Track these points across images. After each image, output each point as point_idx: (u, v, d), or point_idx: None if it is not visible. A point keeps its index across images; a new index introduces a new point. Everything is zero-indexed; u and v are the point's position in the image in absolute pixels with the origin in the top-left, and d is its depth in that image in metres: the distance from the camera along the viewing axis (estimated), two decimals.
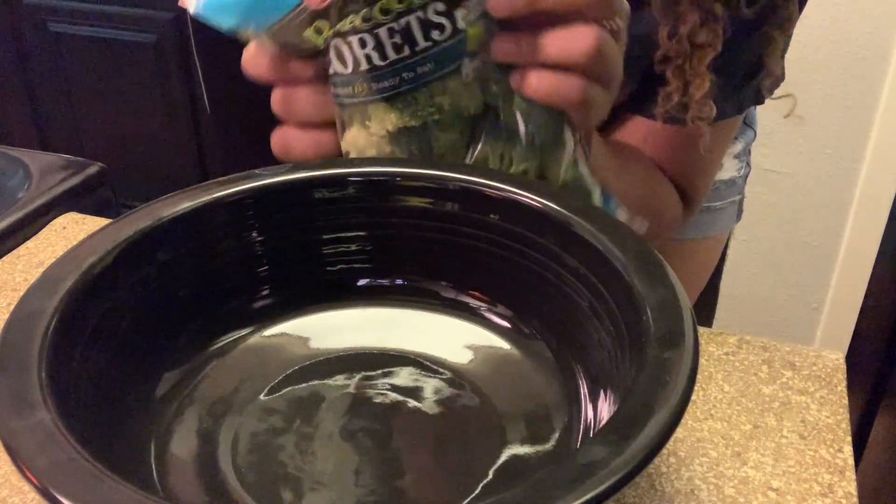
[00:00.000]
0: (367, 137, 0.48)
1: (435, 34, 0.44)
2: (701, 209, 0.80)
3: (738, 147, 0.81)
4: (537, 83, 0.45)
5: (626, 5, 0.47)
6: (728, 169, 0.81)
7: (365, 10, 0.44)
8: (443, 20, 0.44)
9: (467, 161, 0.48)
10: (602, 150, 0.56)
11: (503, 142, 0.48)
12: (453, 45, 0.45)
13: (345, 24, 0.44)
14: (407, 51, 0.45)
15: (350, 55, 0.45)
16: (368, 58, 0.45)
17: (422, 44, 0.45)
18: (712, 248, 0.86)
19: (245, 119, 1.21)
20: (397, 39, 0.44)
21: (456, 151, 0.48)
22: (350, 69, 0.46)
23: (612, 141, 0.65)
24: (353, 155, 0.49)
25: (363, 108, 0.47)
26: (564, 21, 0.44)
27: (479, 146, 0.48)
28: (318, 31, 0.45)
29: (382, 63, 0.45)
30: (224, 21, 0.44)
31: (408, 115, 0.47)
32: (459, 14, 0.44)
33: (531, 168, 0.48)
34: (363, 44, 0.45)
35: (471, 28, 0.45)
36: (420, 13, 0.44)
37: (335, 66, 0.46)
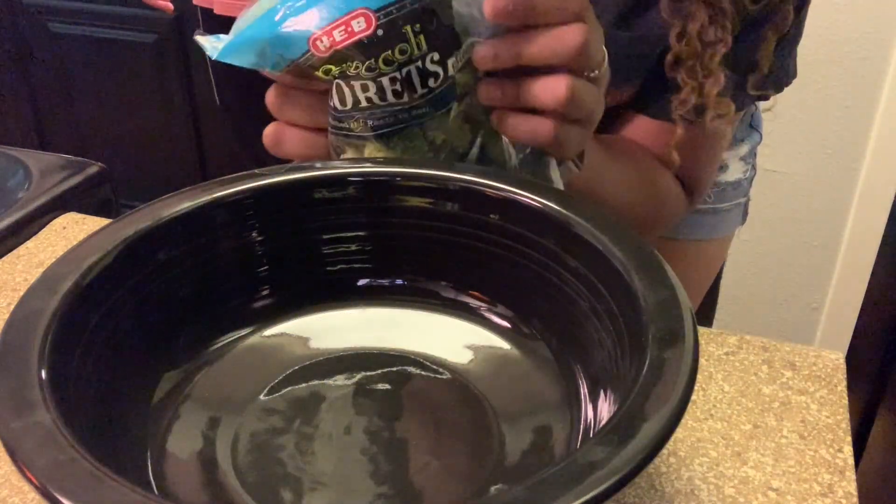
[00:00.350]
0: None
1: (430, 81, 0.47)
2: (706, 211, 0.80)
3: (743, 149, 0.82)
4: (513, 126, 0.49)
5: (604, 52, 0.49)
6: (734, 171, 0.82)
7: (369, 61, 0.46)
8: (437, 69, 0.47)
9: None
10: (594, 147, 0.56)
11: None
12: (445, 90, 0.48)
13: (349, 68, 0.46)
14: (406, 97, 0.47)
15: (350, 95, 0.48)
16: (369, 99, 0.47)
17: (419, 90, 0.47)
18: (717, 249, 0.86)
19: (253, 110, 1.22)
20: (398, 87, 0.47)
21: None
22: (349, 107, 0.48)
23: (606, 138, 0.65)
24: None
25: (359, 143, 0.49)
26: (544, 70, 0.47)
27: None
28: (327, 73, 0.47)
29: (382, 103, 0.48)
30: (241, 62, 0.47)
31: (399, 151, 0.49)
32: (450, 62, 0.48)
33: None
34: (365, 88, 0.47)
35: (459, 74, 0.48)
36: (419, 63, 0.47)
37: (335, 102, 0.48)
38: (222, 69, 1.23)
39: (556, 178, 0.51)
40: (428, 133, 0.49)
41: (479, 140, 0.51)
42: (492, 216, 0.46)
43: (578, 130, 0.49)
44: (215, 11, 1.09)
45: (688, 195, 0.69)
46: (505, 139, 0.50)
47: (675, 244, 0.80)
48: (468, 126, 0.50)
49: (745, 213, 0.87)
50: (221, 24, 1.11)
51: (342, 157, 0.50)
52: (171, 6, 1.37)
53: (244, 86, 1.18)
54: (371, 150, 0.49)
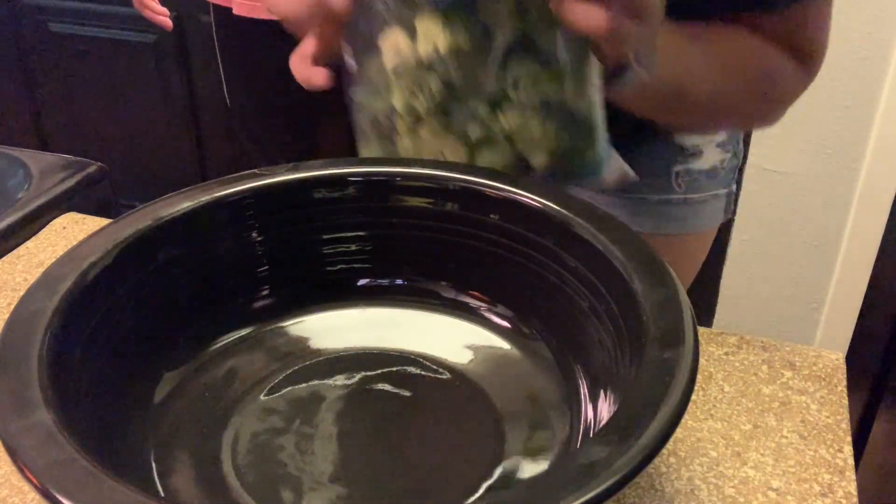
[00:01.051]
0: (410, 48, 0.48)
1: None
2: (675, 202, 0.74)
3: (721, 135, 0.75)
4: (569, 7, 0.46)
5: None
6: (708, 158, 0.74)
7: None
8: None
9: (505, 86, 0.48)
10: (667, 35, 0.53)
11: (538, 66, 0.48)
12: None
13: None
14: None
15: None
16: None
17: None
18: (693, 246, 0.78)
19: (264, 111, 1.21)
20: None
21: (486, 79, 0.49)
22: None
23: (690, 25, 0.59)
24: (391, 58, 0.49)
25: (409, 14, 0.47)
26: None
27: (514, 71, 0.48)
28: None
29: None
30: None
31: (449, 32, 0.46)
32: None
33: (554, 91, 0.49)
34: None
35: None
36: None
37: None
38: (233, 71, 1.23)
39: (593, 92, 0.49)
40: (480, 13, 0.46)
41: (527, 29, 0.48)
42: (492, 216, 0.46)
43: (636, 28, 0.47)
44: (234, 12, 1.08)
45: (802, 63, 0.64)
46: (559, 33, 0.48)
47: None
48: (517, 13, 0.48)
49: (732, 208, 0.79)
50: (237, 24, 1.10)
51: (391, 36, 0.48)
52: (170, 23, 1.37)
53: (254, 87, 1.18)
54: (424, 26, 0.47)
